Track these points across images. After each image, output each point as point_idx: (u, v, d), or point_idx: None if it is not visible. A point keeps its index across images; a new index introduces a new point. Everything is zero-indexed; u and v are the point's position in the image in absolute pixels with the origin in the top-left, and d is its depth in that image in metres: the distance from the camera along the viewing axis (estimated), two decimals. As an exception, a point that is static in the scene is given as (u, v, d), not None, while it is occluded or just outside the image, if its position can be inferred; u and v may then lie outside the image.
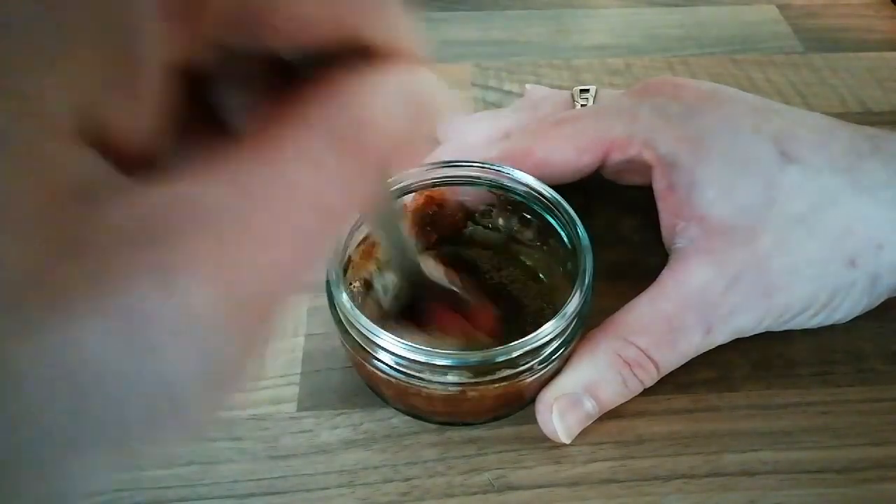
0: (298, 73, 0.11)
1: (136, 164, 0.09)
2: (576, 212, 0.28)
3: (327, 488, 0.27)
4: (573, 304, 0.26)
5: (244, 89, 0.12)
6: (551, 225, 0.30)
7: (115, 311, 0.09)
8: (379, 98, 0.11)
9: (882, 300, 0.31)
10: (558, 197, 0.29)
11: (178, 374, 0.09)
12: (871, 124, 0.32)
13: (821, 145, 0.30)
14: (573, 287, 0.26)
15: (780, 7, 0.52)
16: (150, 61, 0.09)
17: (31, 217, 0.08)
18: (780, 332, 0.30)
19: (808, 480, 0.27)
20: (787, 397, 0.30)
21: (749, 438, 0.28)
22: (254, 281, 0.10)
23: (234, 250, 0.09)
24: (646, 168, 0.31)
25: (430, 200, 0.32)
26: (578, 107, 0.37)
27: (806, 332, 0.31)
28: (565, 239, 0.29)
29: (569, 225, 0.28)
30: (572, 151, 0.32)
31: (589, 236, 0.28)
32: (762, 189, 0.29)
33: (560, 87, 0.41)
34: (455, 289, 0.28)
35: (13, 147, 0.08)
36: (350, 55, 0.11)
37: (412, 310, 0.27)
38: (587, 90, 0.38)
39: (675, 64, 0.47)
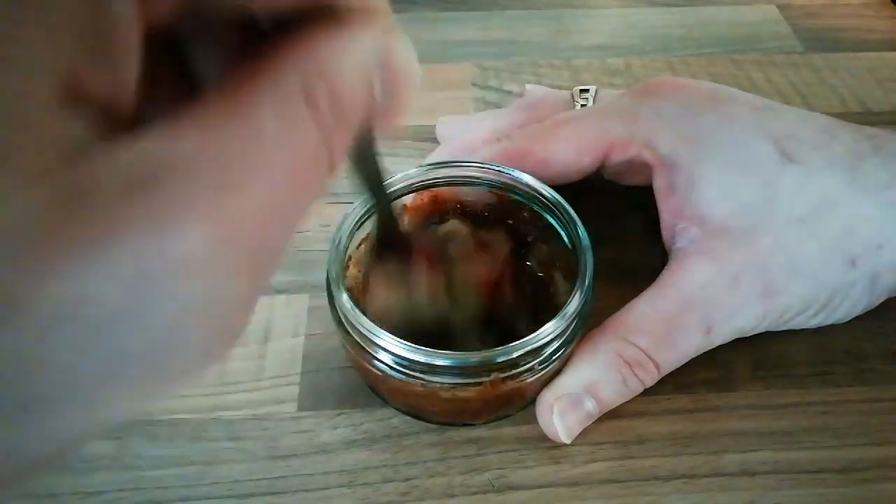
0: (269, 33, 0.12)
1: (117, 122, 0.10)
2: (576, 212, 0.29)
3: (327, 488, 0.27)
4: (573, 305, 0.26)
5: (216, 49, 0.12)
6: (552, 225, 0.30)
7: (115, 254, 0.09)
8: (347, 57, 0.12)
9: (882, 300, 0.31)
10: (558, 197, 0.29)
11: (179, 314, 0.10)
12: (871, 124, 0.32)
13: (821, 145, 0.30)
14: (573, 287, 0.26)
15: (780, 7, 0.52)
16: (126, 21, 0.09)
17: (31, 172, 0.09)
18: (780, 332, 0.30)
19: (807, 480, 0.27)
20: (787, 397, 0.30)
21: (749, 438, 0.28)
22: (240, 226, 0.10)
23: (217, 197, 0.10)
24: (646, 168, 0.31)
25: (433, 200, 0.32)
26: (578, 107, 0.37)
27: (806, 332, 0.31)
28: (565, 239, 0.29)
29: (569, 225, 0.29)
30: (573, 152, 0.32)
31: (589, 236, 0.28)
32: (762, 189, 0.29)
33: (560, 87, 0.41)
34: (427, 235, 0.28)
35: (7, 110, 0.08)
36: (320, 15, 0.12)
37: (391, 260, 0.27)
38: (587, 90, 0.38)
39: (675, 64, 0.47)
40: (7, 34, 0.08)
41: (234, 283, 0.11)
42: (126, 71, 0.10)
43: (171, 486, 0.27)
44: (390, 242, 0.26)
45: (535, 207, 0.30)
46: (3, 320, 0.09)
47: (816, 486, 0.27)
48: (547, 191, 0.30)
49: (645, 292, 0.29)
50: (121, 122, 0.10)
